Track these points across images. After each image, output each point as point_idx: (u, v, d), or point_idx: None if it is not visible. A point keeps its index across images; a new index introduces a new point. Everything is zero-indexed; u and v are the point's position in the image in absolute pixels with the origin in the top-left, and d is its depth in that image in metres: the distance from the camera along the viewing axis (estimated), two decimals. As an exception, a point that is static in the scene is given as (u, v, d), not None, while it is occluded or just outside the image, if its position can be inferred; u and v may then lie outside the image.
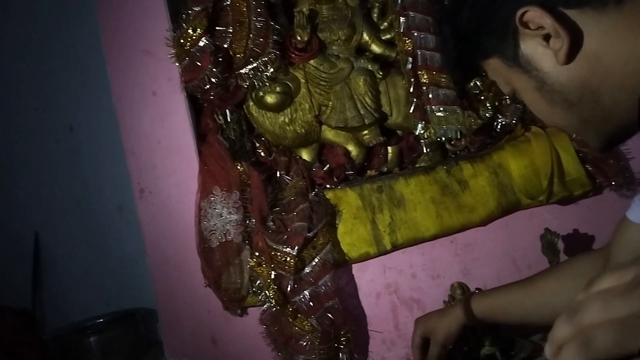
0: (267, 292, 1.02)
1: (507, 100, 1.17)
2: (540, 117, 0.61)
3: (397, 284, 1.14)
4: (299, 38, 1.14)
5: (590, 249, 1.14)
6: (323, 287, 1.02)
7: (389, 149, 1.23)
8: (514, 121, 1.17)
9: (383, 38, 1.21)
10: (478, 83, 1.17)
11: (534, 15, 0.52)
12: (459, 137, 1.14)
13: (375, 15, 1.22)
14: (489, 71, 0.62)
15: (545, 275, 0.89)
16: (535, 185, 1.10)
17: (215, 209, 1.04)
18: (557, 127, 0.63)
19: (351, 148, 1.21)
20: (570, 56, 0.53)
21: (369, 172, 1.21)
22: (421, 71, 1.12)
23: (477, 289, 1.12)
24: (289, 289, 1.01)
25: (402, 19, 1.13)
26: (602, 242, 1.11)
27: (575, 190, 1.11)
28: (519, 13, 0.53)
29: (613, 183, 1.11)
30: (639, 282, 0.32)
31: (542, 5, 0.52)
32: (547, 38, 0.53)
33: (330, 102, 1.18)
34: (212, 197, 1.05)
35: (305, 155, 1.21)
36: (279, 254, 1.01)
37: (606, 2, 0.51)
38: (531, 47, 0.55)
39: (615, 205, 1.14)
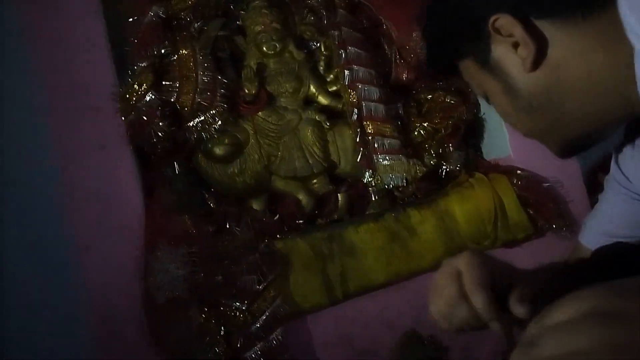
0: (216, 348, 0.99)
1: (450, 147, 1.22)
2: (506, 121, 0.63)
3: (350, 335, 1.13)
4: (247, 91, 1.16)
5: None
6: (274, 342, 1.00)
7: (339, 196, 1.25)
8: (457, 167, 1.21)
9: (329, 90, 1.24)
10: (422, 132, 1.21)
11: (505, 22, 0.54)
12: (405, 184, 1.16)
13: (321, 68, 1.26)
14: (464, 72, 0.64)
15: None
16: (480, 230, 1.13)
17: (161, 264, 1.02)
18: (521, 132, 0.64)
19: (301, 197, 1.22)
20: (536, 64, 0.55)
21: (319, 220, 1.22)
22: (366, 122, 1.16)
23: (429, 336, 1.12)
24: (239, 344, 0.99)
25: (346, 72, 1.17)
26: (547, 284, 1.14)
27: (518, 234, 1.14)
28: (492, 19, 0.55)
29: (554, 226, 1.16)
30: (597, 314, 0.30)
31: (514, 13, 0.54)
32: (516, 45, 0.55)
33: (279, 153, 1.20)
34: (158, 252, 1.02)
35: (256, 205, 1.21)
36: (228, 309, 0.99)
37: (575, 15, 0.53)
38: (501, 52, 0.57)
39: (557, 247, 1.18)
